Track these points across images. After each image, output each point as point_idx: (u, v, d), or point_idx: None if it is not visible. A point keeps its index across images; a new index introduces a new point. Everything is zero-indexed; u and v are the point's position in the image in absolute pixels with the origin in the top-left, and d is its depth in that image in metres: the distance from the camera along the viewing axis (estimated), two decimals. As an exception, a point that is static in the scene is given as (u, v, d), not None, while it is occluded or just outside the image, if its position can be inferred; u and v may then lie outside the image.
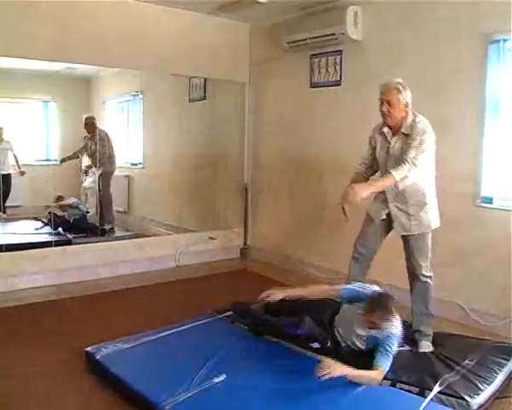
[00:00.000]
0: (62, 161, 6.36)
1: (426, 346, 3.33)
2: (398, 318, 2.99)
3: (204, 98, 6.41)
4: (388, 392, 2.76)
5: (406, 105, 3.22)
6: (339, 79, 5.06)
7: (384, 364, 2.83)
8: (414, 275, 3.39)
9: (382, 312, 2.92)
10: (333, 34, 4.81)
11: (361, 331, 3.03)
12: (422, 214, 3.27)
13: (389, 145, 3.30)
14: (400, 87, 3.22)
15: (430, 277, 3.39)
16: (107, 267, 5.16)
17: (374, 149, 3.45)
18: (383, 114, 3.25)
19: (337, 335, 3.15)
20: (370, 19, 4.70)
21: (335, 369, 2.67)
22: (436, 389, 2.67)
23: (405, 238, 3.37)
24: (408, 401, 2.64)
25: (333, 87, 5.12)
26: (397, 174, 3.05)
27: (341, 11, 4.69)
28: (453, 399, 2.60)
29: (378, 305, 2.95)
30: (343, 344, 3.12)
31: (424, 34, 4.26)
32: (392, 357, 2.85)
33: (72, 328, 3.79)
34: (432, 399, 2.60)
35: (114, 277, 5.13)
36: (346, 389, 2.72)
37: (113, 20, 4.96)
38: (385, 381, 2.83)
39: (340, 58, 5.04)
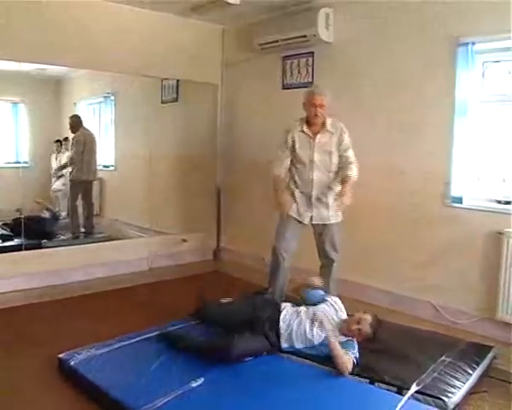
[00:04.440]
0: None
1: None
2: None
3: (176, 100, 6.37)
4: (367, 390, 2.80)
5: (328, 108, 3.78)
6: (311, 80, 5.10)
7: (353, 354, 2.96)
8: (329, 259, 3.94)
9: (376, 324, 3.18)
10: (304, 36, 4.84)
11: (317, 336, 3.14)
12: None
13: (314, 141, 3.79)
14: (328, 93, 3.79)
15: None
16: (78, 271, 5.07)
17: (292, 147, 3.86)
18: (315, 115, 3.74)
19: (283, 336, 3.22)
20: (342, 21, 4.75)
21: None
22: (413, 388, 2.71)
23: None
24: (386, 399, 2.67)
25: (305, 88, 5.12)
26: (354, 174, 3.68)
27: (313, 13, 4.72)
28: (430, 398, 2.65)
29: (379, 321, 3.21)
30: (285, 345, 3.21)
31: (395, 36, 4.33)
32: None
33: (43, 334, 3.73)
34: (409, 397, 2.65)
35: (86, 280, 5.05)
36: (324, 388, 2.76)
37: (85, 21, 4.89)
38: (363, 379, 2.88)
39: (312, 60, 5.08)
